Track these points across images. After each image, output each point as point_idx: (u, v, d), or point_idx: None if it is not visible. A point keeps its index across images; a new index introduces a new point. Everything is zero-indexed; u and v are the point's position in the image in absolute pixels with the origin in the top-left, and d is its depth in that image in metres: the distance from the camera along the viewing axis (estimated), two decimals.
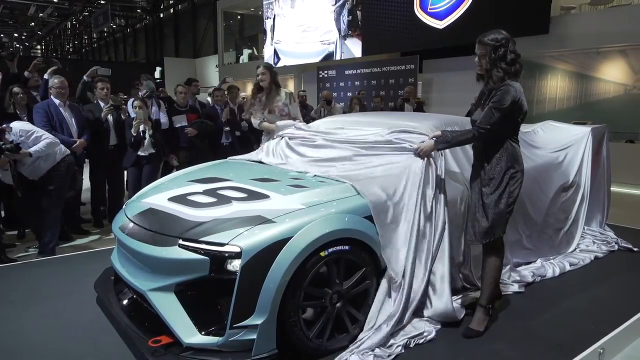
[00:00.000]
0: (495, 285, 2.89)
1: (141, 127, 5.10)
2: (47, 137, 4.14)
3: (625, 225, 5.05)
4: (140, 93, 6.22)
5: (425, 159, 2.92)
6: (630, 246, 4.34)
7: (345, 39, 13.17)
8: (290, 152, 3.60)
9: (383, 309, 2.66)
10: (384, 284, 2.70)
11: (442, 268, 2.87)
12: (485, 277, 2.87)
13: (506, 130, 2.73)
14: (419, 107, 8.65)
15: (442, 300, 2.83)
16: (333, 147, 3.42)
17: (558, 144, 4.18)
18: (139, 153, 5.16)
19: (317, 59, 13.95)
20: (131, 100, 6.21)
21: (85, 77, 5.62)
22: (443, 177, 2.97)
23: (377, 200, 2.69)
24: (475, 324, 2.82)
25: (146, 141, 5.14)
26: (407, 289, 2.70)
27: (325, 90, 12.02)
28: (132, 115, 5.30)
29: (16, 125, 4.09)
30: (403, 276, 2.70)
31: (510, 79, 2.65)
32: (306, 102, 8.62)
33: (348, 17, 13.00)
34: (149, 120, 5.17)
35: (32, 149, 4.02)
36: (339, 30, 13.30)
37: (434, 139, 2.90)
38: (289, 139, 3.77)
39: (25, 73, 5.43)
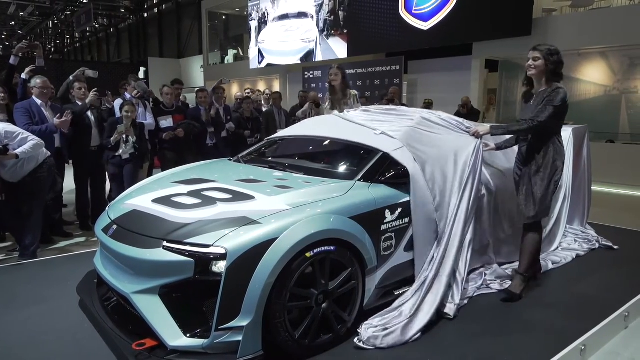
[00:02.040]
0: (534, 258, 3.41)
1: (124, 137, 5.08)
2: (33, 139, 4.06)
3: (605, 223, 5.14)
4: (128, 94, 6.13)
5: (479, 140, 3.27)
6: (610, 244, 4.42)
7: (327, 38, 13.42)
8: (364, 111, 3.96)
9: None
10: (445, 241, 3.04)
11: (463, 257, 3.08)
12: (525, 249, 3.37)
13: (555, 127, 3.21)
14: None
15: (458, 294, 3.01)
16: (401, 111, 3.78)
17: None
18: (120, 154, 5.12)
19: (298, 56, 14.37)
20: (117, 101, 6.13)
21: (71, 78, 5.51)
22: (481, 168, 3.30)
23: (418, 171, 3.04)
24: (513, 288, 3.30)
25: (128, 145, 5.10)
26: (442, 252, 3.01)
27: (310, 91, 12.02)
28: (118, 115, 5.23)
29: (0, 127, 4.00)
30: (440, 240, 3.06)
31: (556, 82, 3.16)
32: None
33: (330, 17, 13.16)
34: (132, 128, 5.11)
35: (18, 151, 3.93)
36: (319, 28, 13.61)
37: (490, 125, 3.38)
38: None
39: (11, 59, 5.23)
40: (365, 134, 3.37)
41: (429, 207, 3.03)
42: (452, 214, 3.07)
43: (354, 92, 4.93)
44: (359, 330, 2.67)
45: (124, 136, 5.08)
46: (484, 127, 3.32)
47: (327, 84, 5.00)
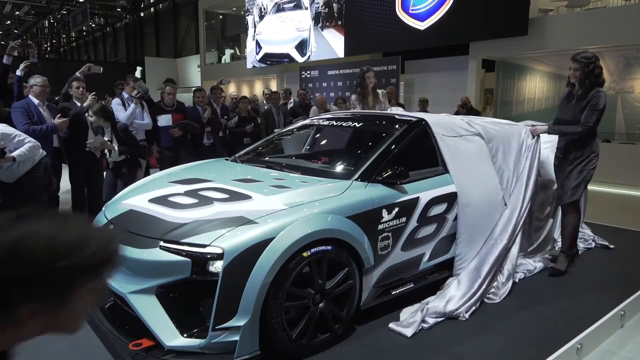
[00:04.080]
0: (574, 237, 3.83)
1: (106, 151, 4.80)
2: (29, 141, 4.04)
3: (601, 223, 5.16)
4: (125, 94, 6.11)
5: (536, 137, 3.77)
6: (606, 243, 4.44)
7: (322, 30, 13.57)
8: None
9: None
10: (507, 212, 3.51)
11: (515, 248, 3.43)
12: (566, 230, 3.82)
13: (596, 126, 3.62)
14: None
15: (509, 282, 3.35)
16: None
17: None
18: (110, 159, 4.90)
19: (292, 44, 14.53)
20: (115, 100, 6.10)
21: (77, 74, 5.48)
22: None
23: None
24: (559, 265, 3.74)
25: (114, 153, 4.76)
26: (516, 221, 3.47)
27: (305, 90, 12.03)
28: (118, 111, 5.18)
29: None
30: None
31: (598, 86, 3.52)
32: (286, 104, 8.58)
33: (325, 9, 13.23)
34: (107, 141, 4.71)
35: (15, 153, 3.90)
36: (312, 18, 13.87)
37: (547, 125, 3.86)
38: None
39: (5, 59, 5.17)
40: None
41: (493, 185, 3.49)
42: (516, 195, 3.55)
43: (383, 91, 5.19)
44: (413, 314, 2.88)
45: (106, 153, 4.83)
46: (541, 127, 3.79)
47: (358, 83, 5.02)
